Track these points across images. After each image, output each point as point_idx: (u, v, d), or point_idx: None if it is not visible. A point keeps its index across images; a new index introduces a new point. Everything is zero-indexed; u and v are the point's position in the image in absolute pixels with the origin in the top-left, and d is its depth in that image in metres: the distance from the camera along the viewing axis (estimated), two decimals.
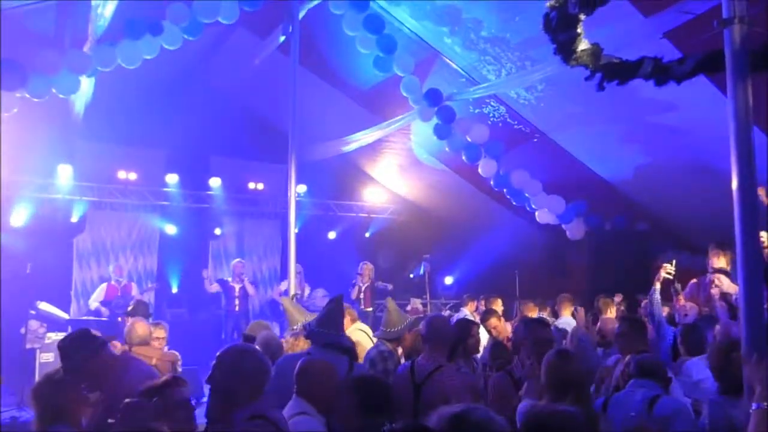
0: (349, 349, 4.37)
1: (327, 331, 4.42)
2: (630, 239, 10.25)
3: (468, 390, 3.96)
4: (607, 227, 10.22)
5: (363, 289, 11.24)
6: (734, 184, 3.16)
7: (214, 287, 11.73)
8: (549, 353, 3.54)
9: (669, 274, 6.20)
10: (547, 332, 4.52)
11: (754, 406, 2.58)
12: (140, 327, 5.54)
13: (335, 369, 3.60)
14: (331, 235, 14.13)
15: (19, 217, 10.82)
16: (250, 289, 11.68)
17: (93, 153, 11.18)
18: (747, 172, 3.13)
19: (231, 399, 3.00)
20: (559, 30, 3.88)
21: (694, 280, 6.80)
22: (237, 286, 11.58)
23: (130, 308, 8.14)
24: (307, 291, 11.36)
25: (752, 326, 3.20)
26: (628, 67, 3.78)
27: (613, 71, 3.82)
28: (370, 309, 11.13)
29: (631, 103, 7.90)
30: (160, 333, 6.09)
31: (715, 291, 5.97)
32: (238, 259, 12.22)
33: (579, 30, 3.91)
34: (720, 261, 6.33)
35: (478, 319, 9.04)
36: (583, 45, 3.91)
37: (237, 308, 11.51)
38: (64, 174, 11.31)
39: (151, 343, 5.66)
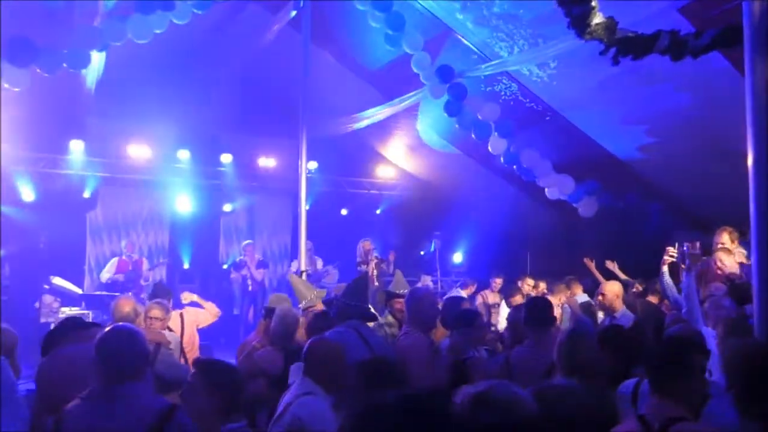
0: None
1: (356, 303, 4.57)
2: (643, 218, 10.17)
3: (413, 349, 4.19)
4: (620, 206, 10.15)
5: (374, 265, 11.22)
6: (750, 161, 3.12)
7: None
8: (561, 335, 3.57)
9: (672, 256, 6.18)
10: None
11: None
12: (124, 305, 5.36)
13: (343, 349, 3.65)
14: (344, 211, 14.14)
15: (30, 192, 10.89)
16: (257, 275, 11.63)
17: (105, 129, 11.20)
18: (763, 149, 3.09)
19: None
20: (573, 3, 3.80)
21: (703, 259, 6.76)
22: (254, 271, 11.61)
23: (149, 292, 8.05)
24: (319, 264, 11.40)
25: (766, 304, 3.18)
26: (644, 41, 3.70)
27: (629, 45, 3.75)
28: (377, 285, 11.10)
29: (645, 80, 7.80)
30: (156, 313, 5.53)
31: (719, 272, 5.91)
32: (248, 241, 12.20)
33: (593, 3, 3.83)
34: (723, 237, 6.28)
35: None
36: (598, 18, 3.84)
37: (250, 287, 11.54)
38: (76, 149, 11.35)
39: (142, 322, 5.37)
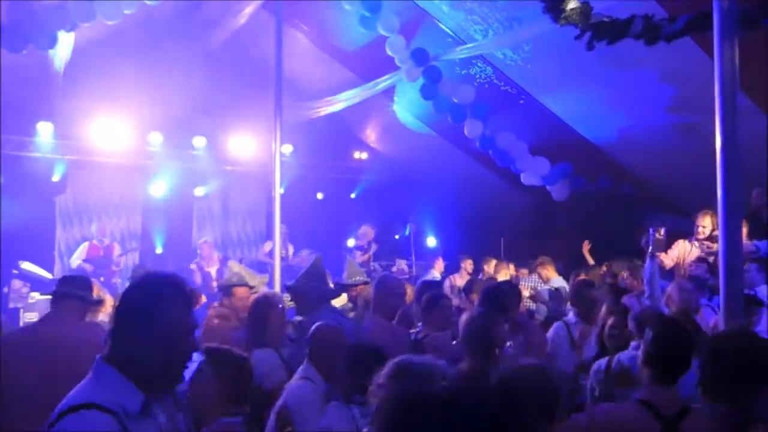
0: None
1: (325, 285, 4.60)
2: (615, 201, 10.30)
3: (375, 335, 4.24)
4: (593, 189, 10.27)
5: (371, 251, 11.27)
6: (717, 144, 3.15)
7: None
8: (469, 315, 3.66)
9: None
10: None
11: None
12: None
13: (345, 335, 3.70)
14: (320, 195, 14.09)
15: None
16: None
17: (74, 111, 10.97)
18: (731, 133, 3.13)
19: None
20: None
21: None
22: (213, 270, 10.86)
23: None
24: (291, 251, 11.32)
25: (731, 288, 3.24)
26: (618, 26, 3.72)
27: (603, 30, 3.77)
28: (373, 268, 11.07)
29: (619, 65, 7.86)
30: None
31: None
32: (204, 239, 11.62)
33: None
34: (705, 220, 6.38)
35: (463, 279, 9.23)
36: (573, 3, 3.85)
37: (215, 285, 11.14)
38: (45, 132, 11.11)
39: (109, 308, 5.11)
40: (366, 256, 10.99)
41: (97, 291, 5.28)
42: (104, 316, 5.07)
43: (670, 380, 2.72)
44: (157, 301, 1.94)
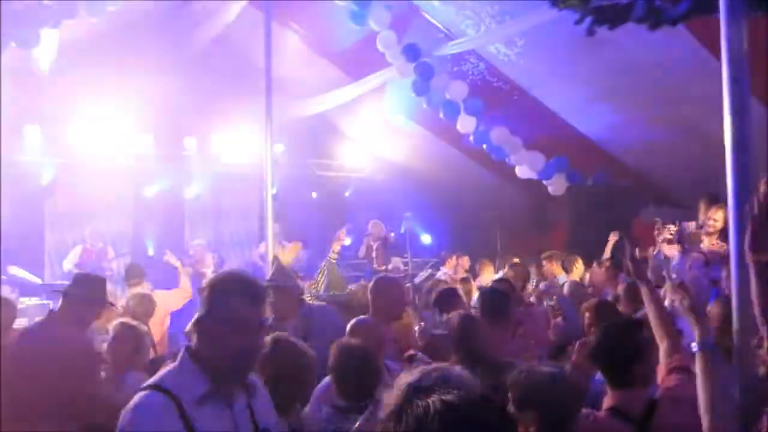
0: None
1: (293, 281, 4.59)
2: (611, 195, 10.23)
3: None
4: (589, 183, 10.20)
5: (375, 247, 11.14)
6: (726, 138, 3.00)
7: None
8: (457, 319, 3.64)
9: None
10: None
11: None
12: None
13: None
14: (314, 194, 13.99)
15: None
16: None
17: (62, 113, 10.82)
18: (741, 123, 2.97)
19: None
20: None
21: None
22: (208, 272, 9.94)
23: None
24: None
25: (742, 281, 3.12)
26: (619, 10, 3.59)
27: (604, 15, 3.64)
28: (384, 267, 10.89)
29: (613, 58, 7.79)
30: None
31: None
32: (197, 241, 11.15)
33: None
34: (717, 214, 6.21)
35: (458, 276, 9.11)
36: None
37: None
38: (32, 135, 10.94)
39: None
40: (372, 250, 10.87)
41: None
42: None
43: (627, 383, 2.61)
44: (224, 296, 2.09)
